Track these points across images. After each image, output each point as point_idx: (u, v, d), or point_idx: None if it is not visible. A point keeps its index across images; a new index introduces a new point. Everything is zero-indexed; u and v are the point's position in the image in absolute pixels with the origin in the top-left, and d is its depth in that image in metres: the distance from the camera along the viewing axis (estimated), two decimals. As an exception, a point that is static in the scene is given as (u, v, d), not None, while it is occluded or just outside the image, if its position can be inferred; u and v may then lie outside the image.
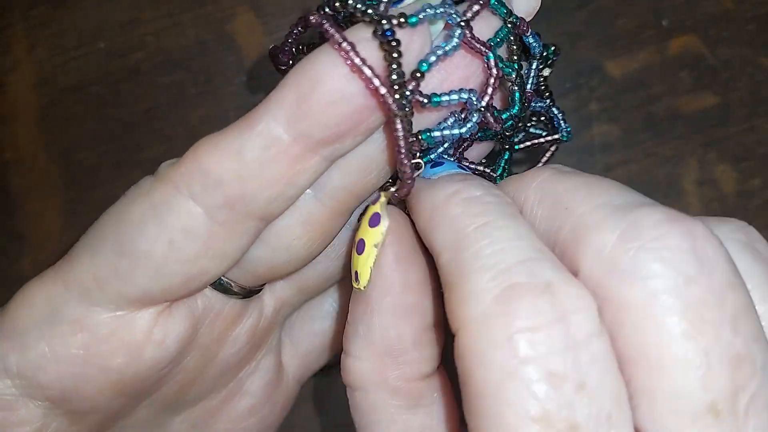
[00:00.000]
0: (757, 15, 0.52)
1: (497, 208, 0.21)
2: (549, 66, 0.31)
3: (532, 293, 0.18)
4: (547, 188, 0.22)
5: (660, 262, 0.17)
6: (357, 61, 0.22)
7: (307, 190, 0.25)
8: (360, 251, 0.25)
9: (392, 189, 0.26)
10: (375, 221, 0.25)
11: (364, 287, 0.25)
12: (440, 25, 0.26)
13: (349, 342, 0.25)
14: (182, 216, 0.24)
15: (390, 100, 0.22)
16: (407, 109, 0.22)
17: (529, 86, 0.29)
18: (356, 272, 0.25)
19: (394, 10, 0.23)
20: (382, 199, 0.26)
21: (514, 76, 0.26)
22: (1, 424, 0.24)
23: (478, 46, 0.24)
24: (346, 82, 0.22)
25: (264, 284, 0.30)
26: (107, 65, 0.52)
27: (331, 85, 0.22)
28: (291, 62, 0.27)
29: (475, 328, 0.18)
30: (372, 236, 0.25)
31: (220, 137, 0.24)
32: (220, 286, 0.28)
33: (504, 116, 0.27)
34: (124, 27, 0.52)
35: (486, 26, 0.26)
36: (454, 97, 0.24)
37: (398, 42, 0.22)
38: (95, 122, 0.52)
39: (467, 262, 0.19)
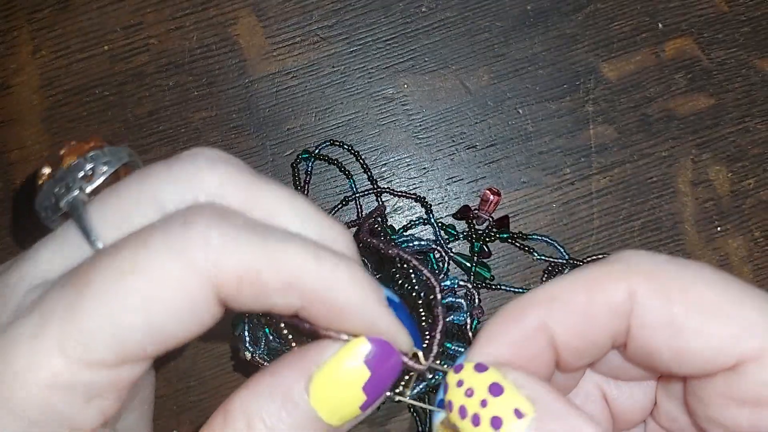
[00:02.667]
0: (752, 18, 0.52)
1: None
2: None
3: None
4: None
5: None
6: None
7: None
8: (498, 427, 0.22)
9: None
10: (497, 389, 0.23)
11: None
12: None
13: None
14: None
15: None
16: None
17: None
18: None
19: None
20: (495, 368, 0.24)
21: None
22: None
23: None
24: None
25: None
26: (111, 68, 0.53)
27: None
28: None
29: None
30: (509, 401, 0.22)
31: None
32: None
33: None
34: (127, 30, 0.53)
35: None
36: None
37: None
38: (99, 124, 0.52)
39: None
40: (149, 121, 0.52)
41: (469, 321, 0.34)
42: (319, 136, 0.52)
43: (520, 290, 0.51)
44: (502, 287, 0.51)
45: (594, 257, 0.50)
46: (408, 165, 0.52)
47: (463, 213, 0.51)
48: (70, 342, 0.20)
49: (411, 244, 0.44)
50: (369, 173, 0.52)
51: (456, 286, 0.37)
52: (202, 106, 0.52)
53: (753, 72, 0.52)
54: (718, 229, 0.51)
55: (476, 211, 0.50)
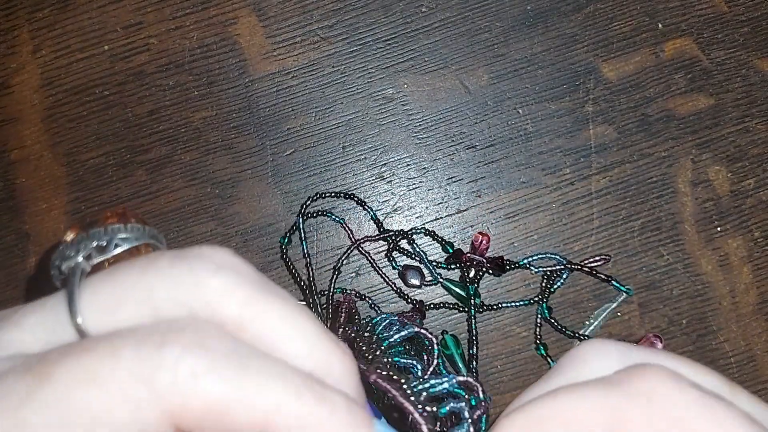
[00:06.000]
0: (751, 18, 0.52)
1: None
2: None
3: None
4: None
5: None
6: None
7: None
8: None
9: None
10: None
11: None
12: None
13: None
14: None
15: None
16: None
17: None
18: None
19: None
20: None
21: None
22: None
23: None
24: None
25: None
26: (111, 67, 0.53)
27: None
28: None
29: None
30: None
31: None
32: None
33: None
34: (127, 30, 0.53)
35: None
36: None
37: None
38: (100, 123, 0.53)
39: None
40: (149, 120, 0.52)
41: (472, 430, 0.31)
42: (319, 136, 0.52)
43: (523, 303, 0.51)
44: (504, 305, 0.51)
45: (592, 259, 0.50)
46: (408, 165, 0.52)
47: (456, 257, 0.51)
48: (8, 429, 0.19)
49: (395, 337, 0.40)
50: (375, 217, 0.52)
51: (452, 388, 0.34)
52: (202, 106, 0.52)
53: (753, 72, 0.52)
54: (718, 229, 0.51)
55: (469, 254, 0.50)
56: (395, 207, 0.52)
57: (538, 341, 0.50)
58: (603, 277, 0.50)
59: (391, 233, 0.51)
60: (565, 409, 0.22)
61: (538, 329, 0.51)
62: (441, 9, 0.52)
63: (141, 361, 0.19)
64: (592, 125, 0.52)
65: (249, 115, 0.52)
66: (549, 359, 0.50)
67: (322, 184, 0.52)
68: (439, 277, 0.51)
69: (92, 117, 0.53)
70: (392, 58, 0.52)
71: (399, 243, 0.51)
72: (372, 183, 0.52)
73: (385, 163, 0.52)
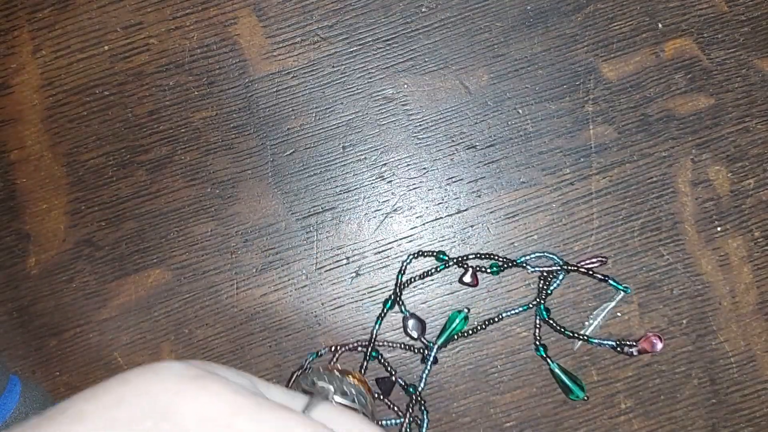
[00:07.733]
0: (751, 17, 0.52)
1: None
2: None
3: None
4: None
5: None
6: None
7: None
8: None
9: None
10: None
11: None
12: None
13: None
14: None
15: None
16: None
17: None
18: None
19: None
20: None
21: None
22: None
23: None
24: None
25: None
26: (111, 67, 0.53)
27: None
28: None
29: None
30: None
31: None
32: None
33: None
34: (127, 30, 0.53)
35: None
36: None
37: None
38: (100, 123, 0.53)
39: None
40: (149, 120, 0.52)
41: None
42: (319, 136, 0.52)
43: (522, 309, 0.51)
44: (502, 317, 0.51)
45: (589, 260, 0.50)
46: (408, 165, 0.52)
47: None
48: None
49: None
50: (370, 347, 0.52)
51: None
52: (202, 106, 0.52)
53: (753, 72, 0.52)
54: (718, 229, 0.51)
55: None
56: (395, 207, 0.52)
57: (537, 343, 0.50)
58: (600, 276, 0.50)
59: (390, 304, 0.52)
60: None
61: (537, 331, 0.51)
62: (441, 9, 0.52)
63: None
64: (592, 125, 0.52)
65: (249, 115, 0.52)
66: (549, 360, 0.50)
67: (322, 184, 0.52)
68: (432, 343, 0.51)
69: (92, 117, 0.53)
70: (392, 58, 0.52)
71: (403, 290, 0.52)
72: (372, 183, 0.52)
73: (385, 163, 0.52)
